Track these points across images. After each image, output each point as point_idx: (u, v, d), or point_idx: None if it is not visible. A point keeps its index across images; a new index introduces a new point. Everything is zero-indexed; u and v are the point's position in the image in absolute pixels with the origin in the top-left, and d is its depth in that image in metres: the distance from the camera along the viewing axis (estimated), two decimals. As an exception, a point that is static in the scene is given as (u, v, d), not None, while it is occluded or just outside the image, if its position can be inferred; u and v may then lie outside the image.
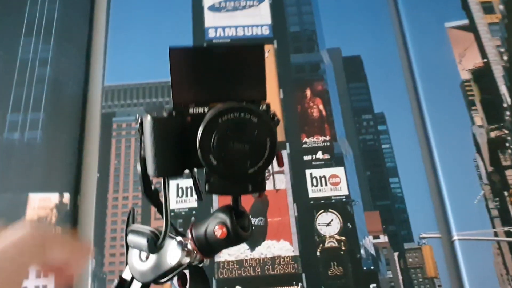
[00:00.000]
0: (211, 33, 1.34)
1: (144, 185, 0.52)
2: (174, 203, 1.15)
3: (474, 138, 1.21)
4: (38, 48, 1.33)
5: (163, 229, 0.52)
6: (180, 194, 1.16)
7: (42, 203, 1.16)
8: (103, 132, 1.24)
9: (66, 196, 1.16)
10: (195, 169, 0.54)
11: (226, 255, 1.10)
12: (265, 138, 0.45)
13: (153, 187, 0.57)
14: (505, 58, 1.30)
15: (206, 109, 0.47)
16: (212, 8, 1.37)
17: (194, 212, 1.14)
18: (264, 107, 0.48)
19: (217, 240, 0.51)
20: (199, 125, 0.46)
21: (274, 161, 0.48)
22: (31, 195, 1.17)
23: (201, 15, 1.36)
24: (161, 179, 0.50)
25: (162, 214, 0.52)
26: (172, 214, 1.14)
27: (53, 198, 1.16)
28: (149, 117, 0.47)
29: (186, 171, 0.54)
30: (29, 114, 1.25)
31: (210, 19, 1.37)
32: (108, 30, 1.36)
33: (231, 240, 0.51)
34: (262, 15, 1.38)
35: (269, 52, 1.34)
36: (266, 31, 1.36)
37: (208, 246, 0.53)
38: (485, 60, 1.31)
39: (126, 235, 0.55)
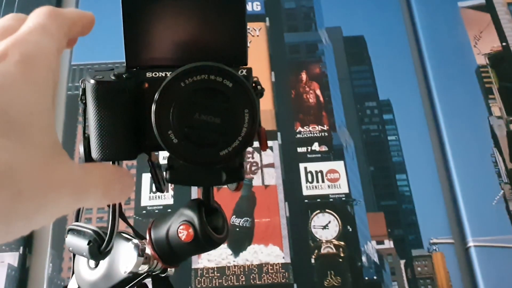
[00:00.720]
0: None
1: None
2: (147, 200, 1.01)
3: (491, 130, 1.09)
4: (-3, 21, 1.19)
5: (108, 229, 0.43)
6: (154, 189, 1.01)
7: (-6, 197, 1.02)
8: (68, 116, 1.10)
9: (22, 190, 1.01)
10: (156, 153, 0.45)
11: (206, 261, 0.95)
12: (242, 110, 0.36)
13: None
14: (527, 41, 1.18)
15: (168, 73, 0.37)
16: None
17: (169, 210, 0.99)
18: (244, 72, 0.39)
19: (181, 244, 0.44)
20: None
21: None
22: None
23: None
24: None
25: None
26: (144, 212, 0.99)
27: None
28: (92, 81, 0.38)
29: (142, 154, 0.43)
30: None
31: (195, -7, 1.23)
32: (78, 3, 1.23)
33: (199, 244, 0.44)
34: (253, -11, 1.25)
35: (261, 31, 1.20)
36: (257, 7, 1.23)
37: (171, 252, 0.46)
38: (504, 43, 1.19)
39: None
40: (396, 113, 1.12)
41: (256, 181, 1.03)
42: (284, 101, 1.12)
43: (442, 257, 0.98)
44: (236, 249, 0.97)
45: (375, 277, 0.97)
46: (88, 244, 0.43)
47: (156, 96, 0.36)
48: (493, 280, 0.94)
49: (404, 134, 1.10)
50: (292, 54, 1.19)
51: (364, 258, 0.98)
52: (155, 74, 0.38)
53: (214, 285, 0.93)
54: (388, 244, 1.00)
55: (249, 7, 1.22)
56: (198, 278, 0.94)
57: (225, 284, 0.94)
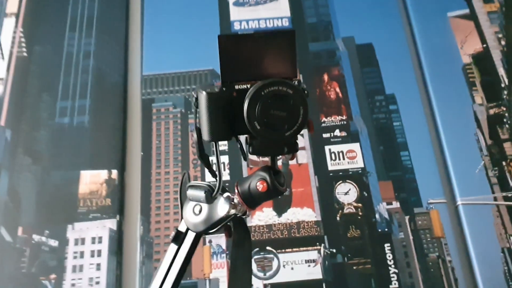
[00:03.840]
0: (236, 26, 1.47)
1: (199, 150, 0.60)
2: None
3: (475, 115, 1.31)
4: (81, 42, 1.45)
5: (217, 183, 0.61)
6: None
7: (93, 179, 1.29)
8: (144, 116, 1.36)
9: (114, 173, 1.28)
10: (243, 136, 0.61)
11: (257, 220, 1.23)
12: (299, 107, 0.54)
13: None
14: (503, 43, 1.40)
15: (248, 85, 0.55)
16: (237, 3, 1.50)
17: (227, 184, 1.26)
18: (296, 82, 0.56)
19: (259, 193, 0.60)
20: (243, 98, 0.54)
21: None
22: (83, 172, 1.31)
23: (227, 10, 1.48)
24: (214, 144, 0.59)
25: (213, 174, 0.62)
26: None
27: (102, 174, 1.29)
28: (204, 93, 0.56)
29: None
30: (76, 101, 1.37)
31: (235, 13, 1.48)
32: (143, 24, 1.47)
33: (271, 193, 0.60)
34: (282, 8, 1.48)
35: (289, 42, 1.44)
36: (286, 23, 1.47)
37: (252, 199, 0.61)
38: (485, 45, 1.40)
39: (180, 194, 0.64)
40: (399, 104, 1.37)
41: (292, 161, 1.27)
42: (311, 98, 1.33)
43: (437, 213, 1.22)
44: (280, 211, 1.24)
45: (386, 229, 1.23)
46: (204, 193, 0.62)
47: (247, 100, 0.54)
48: (477, 229, 1.17)
49: (406, 120, 1.34)
50: (315, 60, 1.44)
51: (377, 216, 1.23)
52: (241, 87, 0.57)
53: (264, 238, 1.21)
54: (396, 204, 1.25)
55: (278, 23, 1.47)
56: (252, 233, 1.21)
57: (272, 237, 1.21)
